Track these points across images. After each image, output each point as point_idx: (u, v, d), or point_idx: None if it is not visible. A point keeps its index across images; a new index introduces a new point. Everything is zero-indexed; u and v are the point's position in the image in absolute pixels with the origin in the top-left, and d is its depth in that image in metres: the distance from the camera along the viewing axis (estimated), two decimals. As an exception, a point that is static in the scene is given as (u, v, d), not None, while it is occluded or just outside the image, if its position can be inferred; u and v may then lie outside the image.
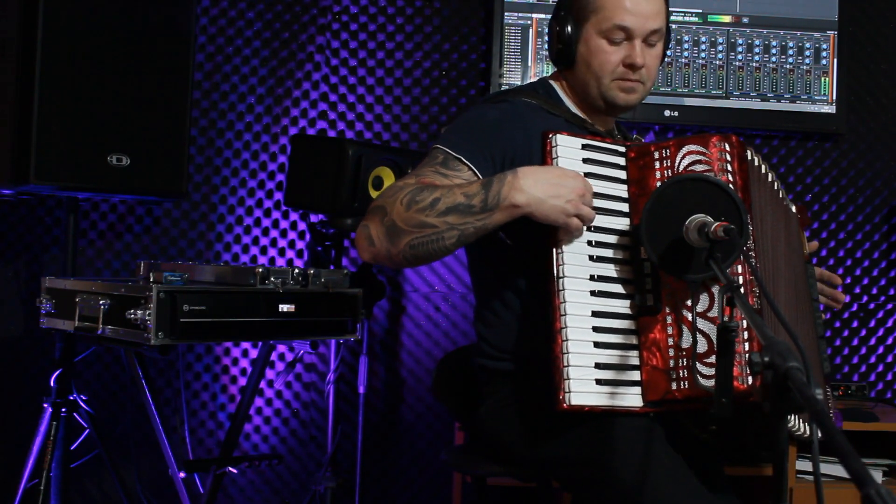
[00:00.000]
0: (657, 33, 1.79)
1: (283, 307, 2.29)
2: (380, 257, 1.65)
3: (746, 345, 1.53)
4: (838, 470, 2.67)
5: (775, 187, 1.85)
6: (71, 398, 2.57)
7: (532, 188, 1.57)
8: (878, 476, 2.72)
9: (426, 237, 1.60)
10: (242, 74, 3.19)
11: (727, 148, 1.61)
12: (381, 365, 3.18)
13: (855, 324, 3.25)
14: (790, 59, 3.17)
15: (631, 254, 1.65)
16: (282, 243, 3.19)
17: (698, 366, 1.55)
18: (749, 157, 1.69)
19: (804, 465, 2.70)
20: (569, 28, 1.81)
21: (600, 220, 1.64)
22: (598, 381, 1.58)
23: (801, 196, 3.25)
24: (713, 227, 1.44)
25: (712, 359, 1.53)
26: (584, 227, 1.63)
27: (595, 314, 1.61)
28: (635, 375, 1.61)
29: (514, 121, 1.77)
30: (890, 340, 3.26)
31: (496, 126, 1.75)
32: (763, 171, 1.80)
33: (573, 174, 1.60)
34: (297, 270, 2.33)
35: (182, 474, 2.33)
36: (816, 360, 1.97)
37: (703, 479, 1.66)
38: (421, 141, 3.20)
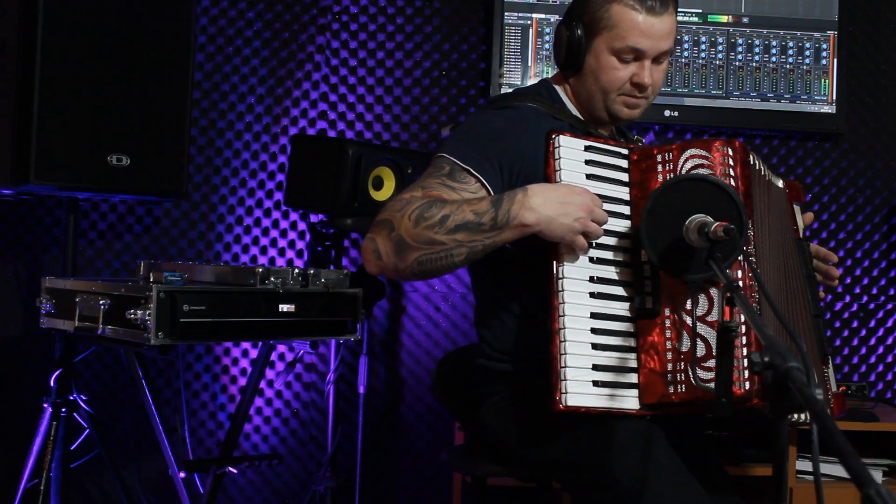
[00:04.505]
0: (667, 52, 1.79)
1: (283, 307, 2.29)
2: (387, 271, 1.65)
3: (745, 349, 1.53)
4: (838, 470, 2.66)
5: (763, 173, 1.82)
6: (71, 398, 2.57)
7: (542, 207, 1.57)
8: (878, 476, 2.72)
9: (435, 254, 1.60)
10: (242, 74, 3.19)
11: (730, 153, 1.61)
12: (381, 365, 3.18)
13: (855, 324, 3.25)
14: (790, 59, 3.17)
15: (631, 256, 1.65)
16: (282, 243, 3.19)
17: (696, 369, 1.55)
18: (751, 162, 1.68)
19: (804, 465, 2.70)
20: (579, 36, 1.79)
21: None
22: (596, 383, 1.57)
23: (801, 196, 3.25)
24: (713, 227, 1.44)
25: (710, 363, 1.53)
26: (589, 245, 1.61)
27: (594, 316, 1.60)
28: (633, 378, 1.61)
29: (520, 128, 1.75)
30: (890, 340, 3.26)
31: (503, 134, 1.74)
32: (762, 172, 1.79)
33: (581, 191, 1.60)
34: (297, 270, 2.33)
35: (182, 474, 2.33)
36: (811, 341, 1.94)
37: (706, 480, 1.65)
38: (421, 141, 3.20)
